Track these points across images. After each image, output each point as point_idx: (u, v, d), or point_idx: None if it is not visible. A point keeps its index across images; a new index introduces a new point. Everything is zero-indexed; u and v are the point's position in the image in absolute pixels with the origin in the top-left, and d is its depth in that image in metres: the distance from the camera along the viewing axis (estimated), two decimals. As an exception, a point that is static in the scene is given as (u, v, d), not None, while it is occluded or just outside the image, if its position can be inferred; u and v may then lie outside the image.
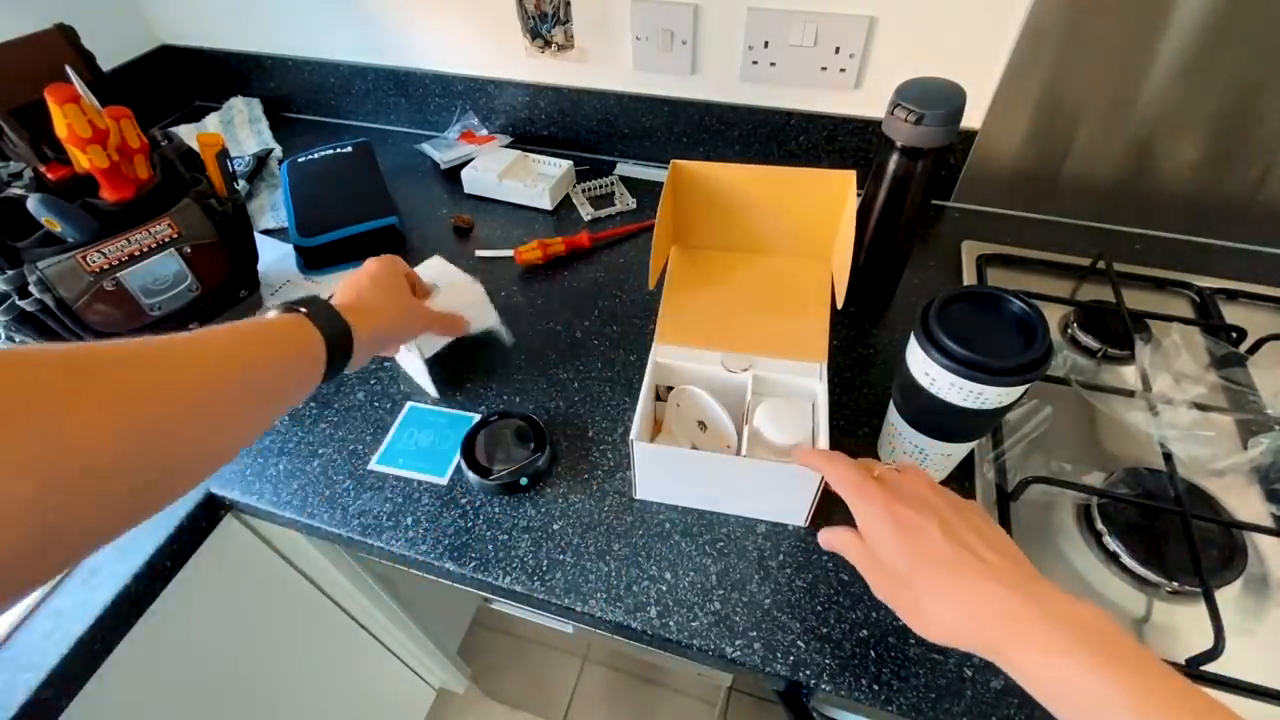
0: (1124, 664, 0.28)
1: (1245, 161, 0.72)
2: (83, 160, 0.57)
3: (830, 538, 0.41)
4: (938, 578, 0.34)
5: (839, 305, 0.54)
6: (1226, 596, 0.48)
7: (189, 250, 0.64)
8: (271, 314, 0.45)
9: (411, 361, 0.65)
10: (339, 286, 0.54)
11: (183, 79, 1.11)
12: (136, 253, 0.60)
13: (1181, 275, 0.73)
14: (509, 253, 0.81)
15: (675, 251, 0.62)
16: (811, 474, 0.48)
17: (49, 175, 0.58)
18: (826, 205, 0.57)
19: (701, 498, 0.56)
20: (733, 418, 0.54)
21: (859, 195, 0.65)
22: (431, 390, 0.65)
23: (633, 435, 0.50)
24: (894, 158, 0.60)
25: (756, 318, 0.56)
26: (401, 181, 0.94)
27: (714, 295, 0.59)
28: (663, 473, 0.54)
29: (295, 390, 0.43)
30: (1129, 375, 0.64)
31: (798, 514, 0.54)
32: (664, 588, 0.51)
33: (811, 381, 0.55)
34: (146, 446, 0.30)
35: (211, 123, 1.05)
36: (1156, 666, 0.28)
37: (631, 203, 0.89)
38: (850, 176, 0.55)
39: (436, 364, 0.64)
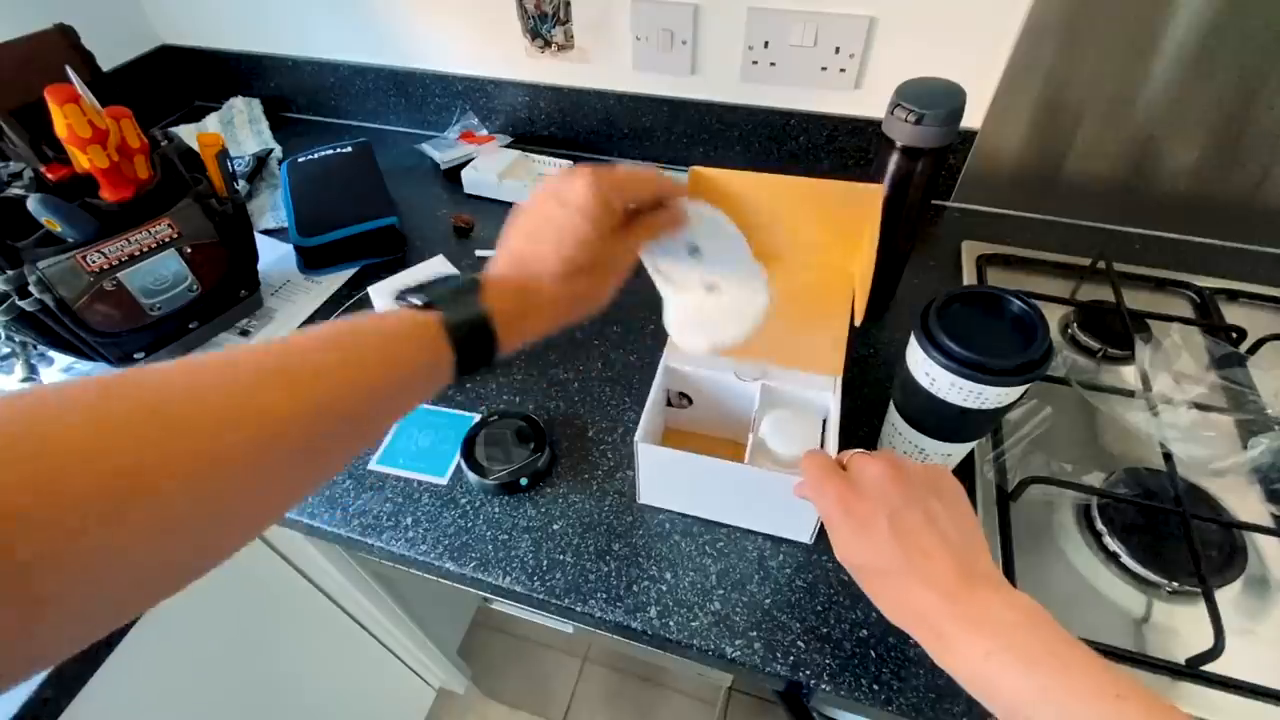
0: (1036, 661, 0.29)
1: (1245, 161, 0.72)
2: (83, 160, 0.57)
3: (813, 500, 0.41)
4: (875, 579, 0.36)
5: (857, 321, 0.53)
6: (1226, 596, 0.48)
7: (189, 250, 0.64)
8: (392, 310, 0.36)
9: None
10: (508, 225, 0.41)
11: (183, 79, 1.11)
12: (136, 253, 0.60)
13: (1181, 275, 0.73)
14: (509, 253, 0.80)
15: None
16: None
17: (49, 175, 0.58)
18: (851, 218, 0.55)
19: (705, 506, 0.55)
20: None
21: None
22: None
23: (638, 437, 0.49)
24: (894, 158, 0.60)
25: (772, 327, 0.53)
26: (401, 181, 0.94)
27: None
28: (666, 477, 0.53)
29: (395, 414, 0.35)
30: (1129, 375, 0.64)
31: (803, 530, 0.53)
32: (664, 588, 0.51)
33: (824, 395, 0.54)
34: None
35: (211, 123, 1.05)
36: (1076, 657, 0.29)
37: (631, 203, 0.89)
38: (878, 191, 0.53)
39: None
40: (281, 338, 0.30)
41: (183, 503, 0.23)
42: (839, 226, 0.56)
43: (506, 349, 0.38)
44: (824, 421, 0.53)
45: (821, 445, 0.51)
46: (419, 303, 0.36)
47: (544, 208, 0.40)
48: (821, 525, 0.51)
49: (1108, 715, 0.27)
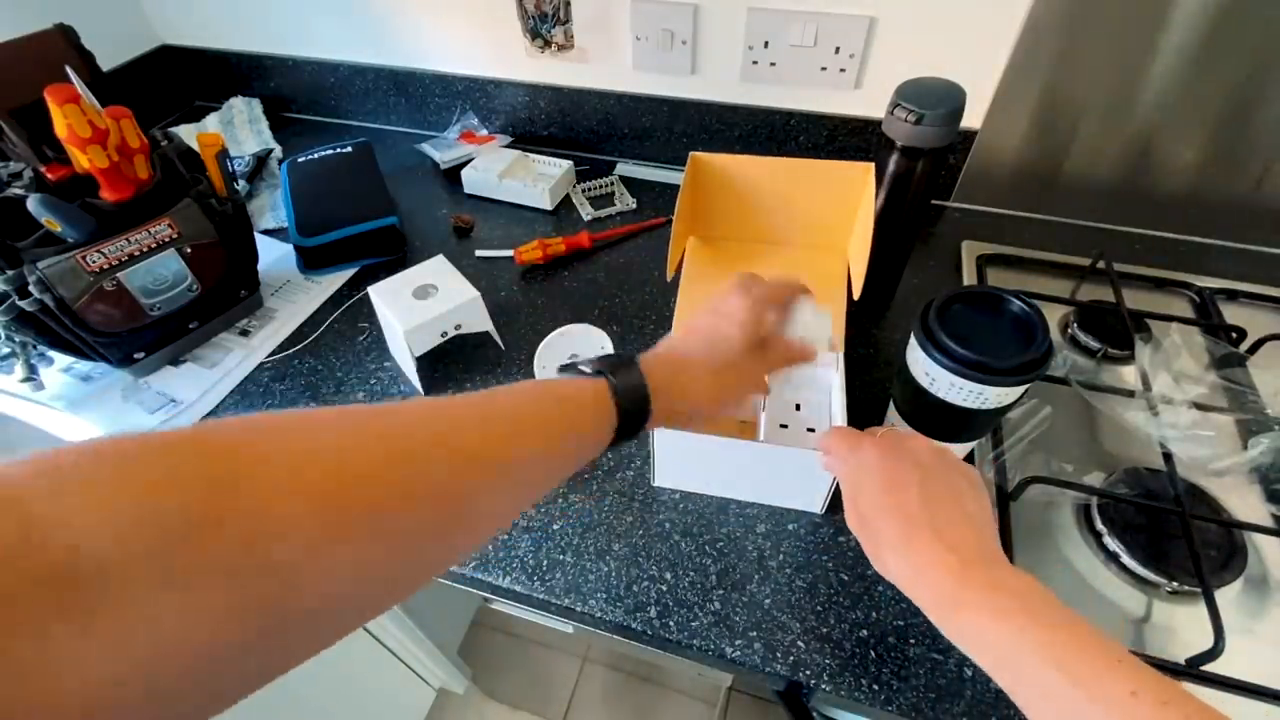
0: (1039, 618, 0.30)
1: (1245, 161, 0.72)
2: (83, 160, 0.57)
3: (831, 459, 0.43)
4: (898, 535, 0.36)
5: (855, 296, 0.54)
6: (1226, 596, 0.48)
7: (189, 250, 0.64)
8: (570, 379, 0.38)
9: (403, 357, 0.65)
10: (682, 324, 0.45)
11: (183, 79, 1.11)
12: (136, 253, 0.60)
13: (1181, 275, 0.73)
14: (509, 253, 0.81)
15: (693, 242, 0.63)
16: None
17: (49, 175, 0.58)
18: (844, 197, 0.57)
19: (719, 483, 0.56)
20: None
21: (859, 195, 0.64)
22: (419, 387, 0.66)
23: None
24: (894, 158, 0.60)
25: None
26: (401, 181, 0.94)
27: None
28: (681, 459, 0.54)
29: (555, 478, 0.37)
30: (1129, 375, 0.64)
31: (814, 501, 0.54)
32: (664, 588, 0.51)
33: (828, 371, 0.55)
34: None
35: (211, 123, 1.05)
36: (1080, 625, 0.30)
37: (631, 203, 0.89)
38: (868, 169, 0.55)
39: (426, 362, 0.64)
40: (487, 392, 0.33)
41: (430, 524, 0.27)
42: (833, 205, 0.58)
43: (654, 422, 0.40)
44: (830, 396, 0.55)
45: (829, 419, 0.54)
46: (588, 370, 0.39)
47: (706, 317, 0.45)
48: (835, 495, 0.52)
49: (1114, 676, 0.27)
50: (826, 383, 0.56)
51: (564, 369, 0.41)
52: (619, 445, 0.39)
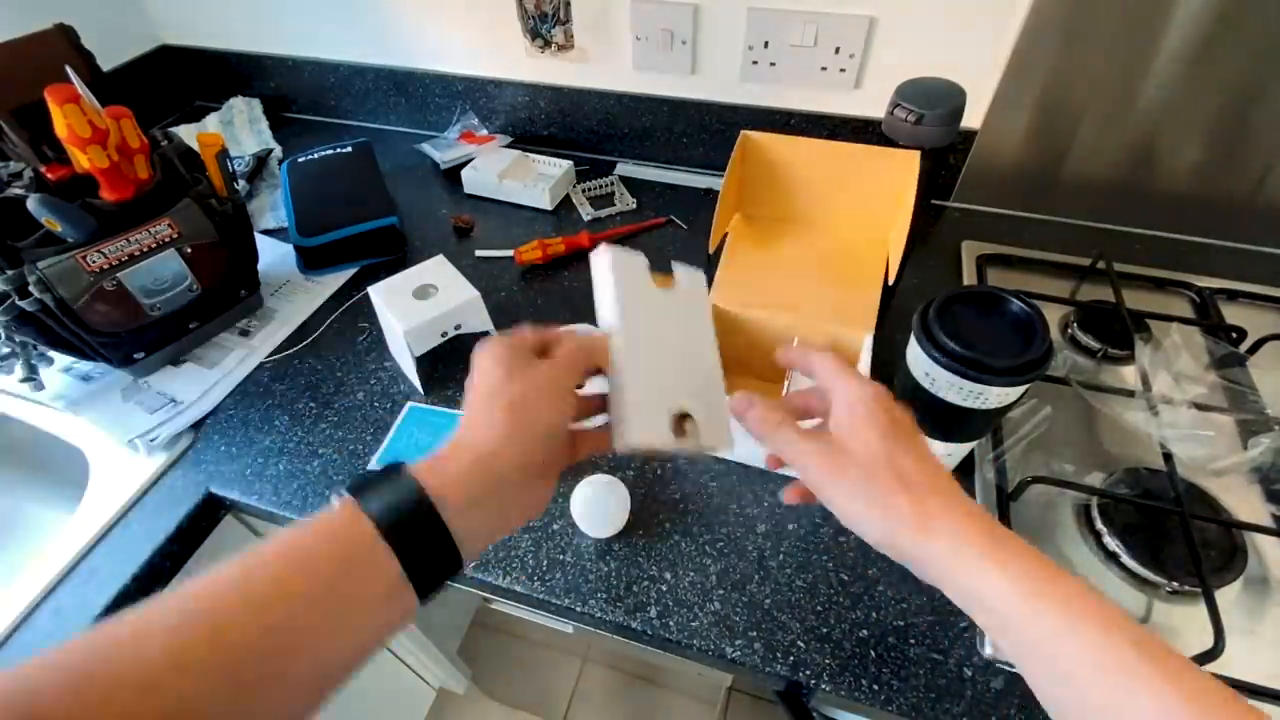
0: (1004, 546, 0.30)
1: (1245, 161, 0.72)
2: (83, 160, 0.57)
3: (846, 368, 0.36)
4: (902, 470, 0.32)
5: (890, 281, 0.56)
6: (1226, 596, 0.48)
7: (189, 250, 0.64)
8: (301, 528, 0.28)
9: (403, 357, 0.65)
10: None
11: (183, 79, 1.11)
12: (136, 253, 0.60)
13: (1181, 275, 0.73)
14: (509, 253, 0.81)
15: (737, 220, 0.65)
16: None
17: (49, 175, 0.58)
18: (888, 184, 0.59)
19: (742, 449, 0.56)
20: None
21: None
22: (419, 387, 0.66)
23: None
24: (894, 158, 0.60)
25: (810, 286, 0.58)
26: (401, 181, 0.94)
27: (771, 261, 0.62)
28: None
29: (360, 637, 0.28)
30: (1129, 375, 0.64)
31: None
32: (664, 588, 0.51)
33: (855, 338, 0.56)
34: None
35: (211, 123, 1.05)
36: (1037, 557, 0.29)
37: (631, 203, 0.89)
38: (914, 156, 0.56)
39: (426, 362, 0.64)
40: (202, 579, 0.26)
41: None
42: (875, 191, 0.60)
43: (471, 543, 0.29)
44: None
45: None
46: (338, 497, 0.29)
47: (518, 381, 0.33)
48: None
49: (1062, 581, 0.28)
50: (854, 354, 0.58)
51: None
52: (429, 597, 0.29)
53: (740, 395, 0.37)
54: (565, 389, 0.34)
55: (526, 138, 1.00)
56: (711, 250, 0.62)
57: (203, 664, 0.24)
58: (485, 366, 0.33)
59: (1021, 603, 0.28)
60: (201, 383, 0.68)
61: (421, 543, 0.28)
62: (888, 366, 0.66)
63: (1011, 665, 0.46)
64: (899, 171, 0.57)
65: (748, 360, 0.60)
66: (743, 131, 0.59)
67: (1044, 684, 0.29)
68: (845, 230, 0.62)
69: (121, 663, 0.23)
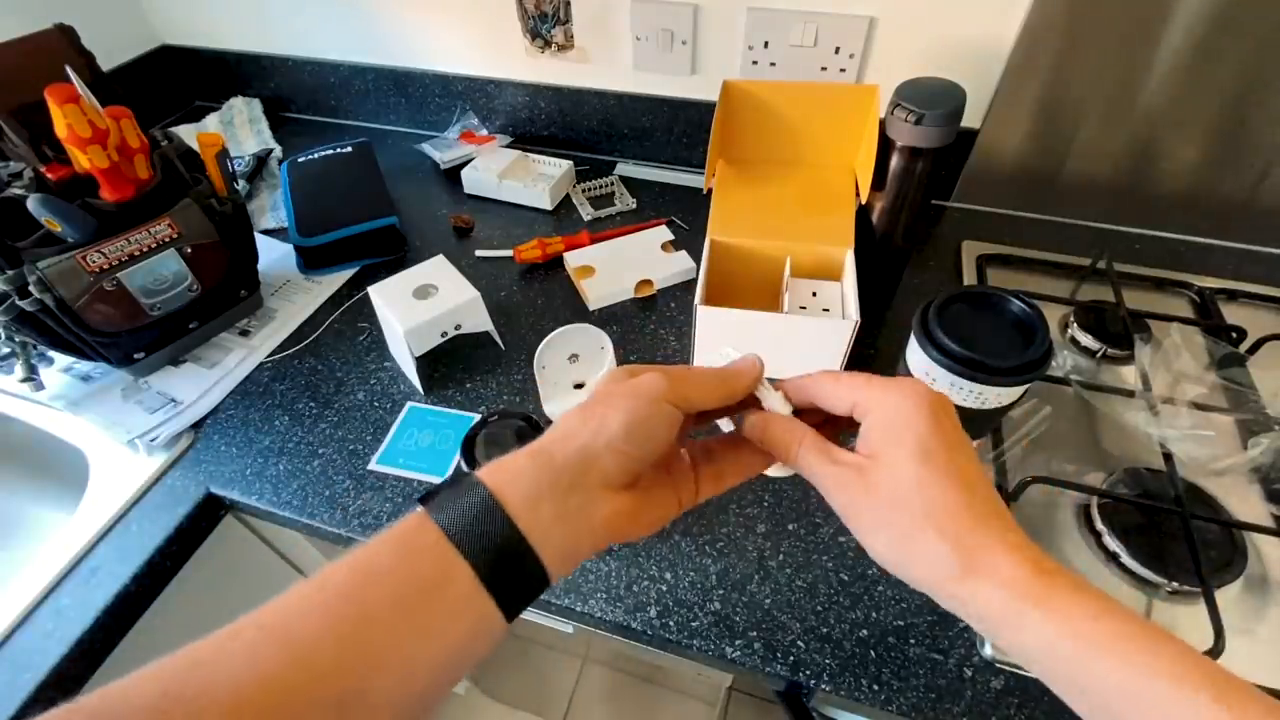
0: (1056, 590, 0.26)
1: (1245, 161, 0.72)
2: (83, 160, 0.57)
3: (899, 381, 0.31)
4: (956, 475, 0.28)
5: (863, 200, 0.65)
6: (1226, 596, 0.48)
7: (189, 250, 0.64)
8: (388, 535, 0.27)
9: (403, 357, 0.65)
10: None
11: (183, 79, 1.11)
12: (136, 253, 0.60)
13: (1181, 275, 0.73)
14: (509, 253, 0.81)
15: (722, 165, 0.72)
16: (844, 325, 0.58)
17: (49, 175, 0.58)
18: (853, 115, 0.67)
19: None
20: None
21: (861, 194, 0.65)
22: (419, 388, 0.66)
23: (697, 301, 0.59)
24: (894, 158, 0.60)
25: (793, 214, 0.67)
26: (401, 181, 0.94)
27: (757, 197, 0.70)
28: (719, 334, 0.62)
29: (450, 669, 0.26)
30: (1129, 375, 0.64)
31: (835, 365, 0.61)
32: (664, 588, 0.51)
33: (841, 266, 0.65)
34: None
35: (211, 123, 1.05)
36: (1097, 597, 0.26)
37: (631, 203, 0.89)
38: (874, 89, 0.64)
39: (426, 362, 0.64)
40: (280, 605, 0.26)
41: None
42: (842, 124, 0.68)
43: (546, 545, 0.27)
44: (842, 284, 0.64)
45: (843, 304, 0.63)
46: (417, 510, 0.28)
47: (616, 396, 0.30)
48: (847, 361, 0.61)
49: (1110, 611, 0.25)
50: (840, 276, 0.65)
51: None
52: (513, 604, 0.27)
53: (755, 418, 0.33)
54: (651, 397, 0.30)
55: (526, 138, 1.00)
56: (706, 189, 0.71)
57: (282, 682, 0.23)
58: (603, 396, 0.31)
59: (1087, 656, 0.24)
60: (201, 383, 0.68)
61: (491, 542, 0.26)
62: (888, 366, 0.66)
63: (1011, 665, 0.46)
64: (861, 103, 0.66)
65: (744, 287, 0.66)
66: (725, 80, 0.66)
67: None
68: (818, 162, 0.71)
69: (206, 684, 0.23)
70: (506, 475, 0.28)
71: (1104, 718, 0.25)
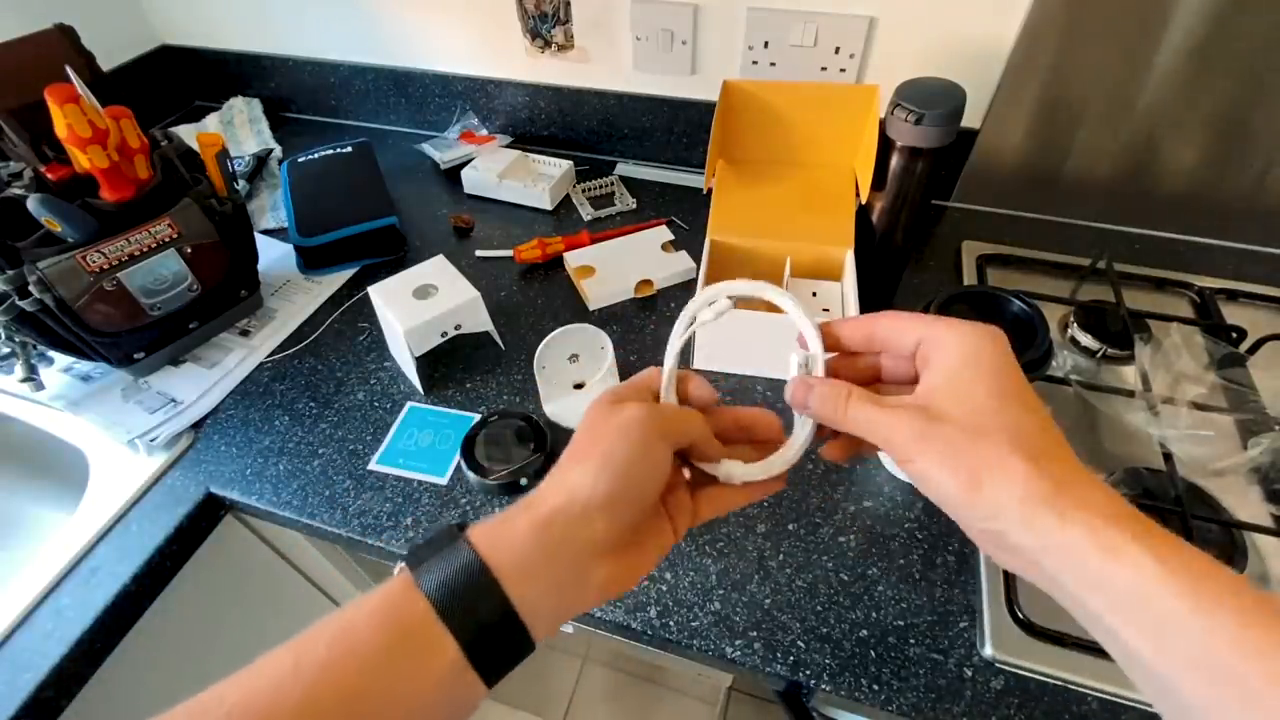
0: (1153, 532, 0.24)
1: (1245, 161, 0.72)
2: (83, 160, 0.57)
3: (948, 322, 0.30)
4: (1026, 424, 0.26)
5: (863, 200, 0.64)
6: (1226, 596, 0.48)
7: (189, 250, 0.64)
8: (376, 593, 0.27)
9: (403, 357, 0.65)
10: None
11: (183, 79, 1.11)
12: (136, 253, 0.60)
13: (1181, 275, 0.73)
14: (509, 252, 0.81)
15: (722, 165, 0.73)
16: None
17: (49, 175, 0.58)
18: (852, 115, 0.67)
19: (752, 362, 0.64)
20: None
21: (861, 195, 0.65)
22: (419, 388, 0.66)
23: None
24: (894, 158, 0.60)
25: (793, 214, 0.67)
26: (401, 181, 0.94)
27: (756, 197, 0.70)
28: (723, 338, 0.63)
29: None
30: (1129, 375, 0.64)
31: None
32: (664, 588, 0.51)
33: (841, 252, 0.65)
34: None
35: (211, 123, 1.05)
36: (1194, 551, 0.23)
37: (631, 203, 0.89)
38: (874, 89, 0.64)
39: (426, 362, 0.64)
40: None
41: None
42: (842, 124, 0.68)
43: (535, 619, 0.26)
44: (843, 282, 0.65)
45: (843, 303, 0.63)
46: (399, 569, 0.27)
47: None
48: None
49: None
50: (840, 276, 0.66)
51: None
52: (497, 678, 0.26)
53: (798, 382, 0.31)
54: (638, 437, 0.28)
55: (526, 138, 1.00)
56: (706, 188, 0.72)
57: None
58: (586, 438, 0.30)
59: (1190, 608, 0.22)
60: (201, 383, 0.68)
61: (481, 618, 0.25)
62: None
63: (1011, 665, 0.46)
64: (861, 102, 0.66)
65: None
66: (724, 80, 0.67)
67: (1200, 694, 0.22)
68: (818, 162, 0.71)
69: None
70: (500, 542, 0.27)
71: (1178, 666, 0.22)
